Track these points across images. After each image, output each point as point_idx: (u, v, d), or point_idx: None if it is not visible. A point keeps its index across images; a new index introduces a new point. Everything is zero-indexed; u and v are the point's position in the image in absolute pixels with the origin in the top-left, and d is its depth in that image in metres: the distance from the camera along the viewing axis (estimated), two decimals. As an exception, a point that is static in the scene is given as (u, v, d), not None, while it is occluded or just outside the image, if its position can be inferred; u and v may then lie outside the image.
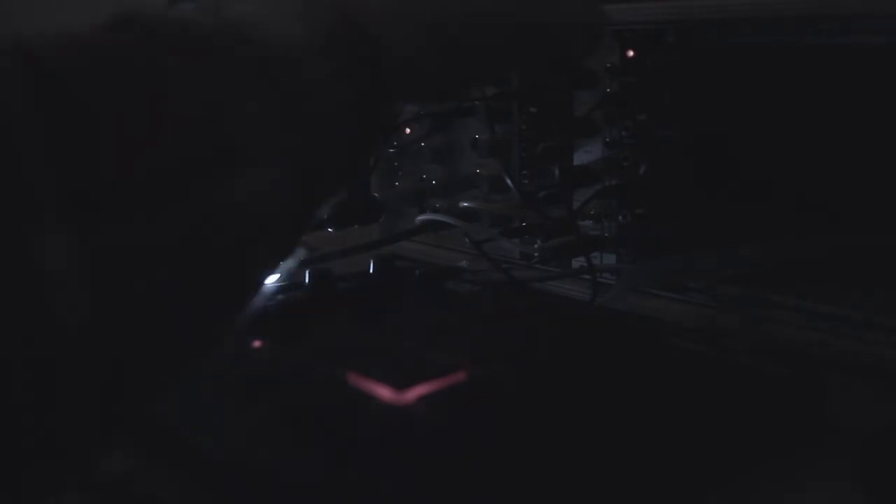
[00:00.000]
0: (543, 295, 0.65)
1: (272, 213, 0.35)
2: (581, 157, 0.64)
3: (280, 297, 0.59)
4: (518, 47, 0.49)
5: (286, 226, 0.38)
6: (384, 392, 0.45)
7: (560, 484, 0.39)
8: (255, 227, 0.35)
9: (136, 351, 0.32)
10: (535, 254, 0.67)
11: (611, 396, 0.46)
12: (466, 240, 0.70)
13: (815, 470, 0.42)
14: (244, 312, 0.37)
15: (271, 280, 0.60)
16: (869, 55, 0.51)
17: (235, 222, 0.34)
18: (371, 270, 0.65)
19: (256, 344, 0.52)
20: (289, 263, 0.63)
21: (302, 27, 0.37)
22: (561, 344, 0.53)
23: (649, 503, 0.40)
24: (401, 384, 0.45)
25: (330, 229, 0.71)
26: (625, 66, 0.60)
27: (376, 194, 0.80)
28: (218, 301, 0.36)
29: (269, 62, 0.36)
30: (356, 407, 0.45)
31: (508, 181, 0.66)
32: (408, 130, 0.77)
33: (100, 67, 0.32)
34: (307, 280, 0.60)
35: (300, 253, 0.66)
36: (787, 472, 0.42)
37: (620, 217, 0.62)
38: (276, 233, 0.37)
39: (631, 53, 0.60)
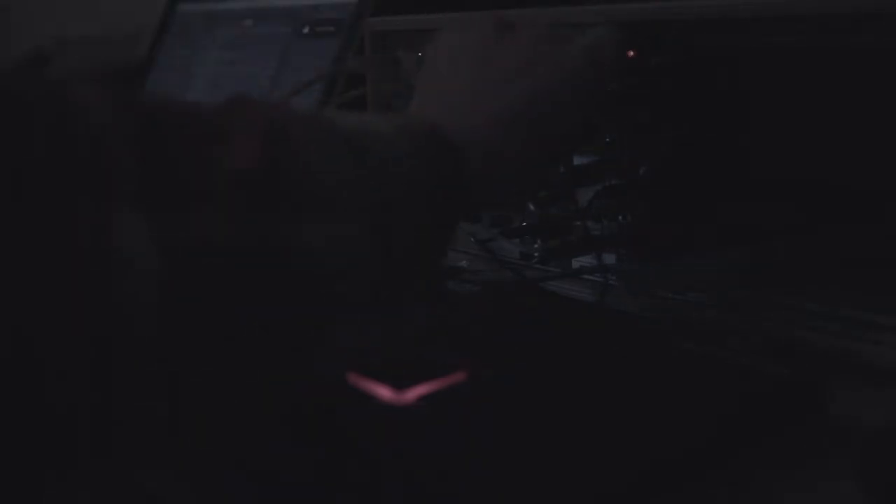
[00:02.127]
0: (548, 294, 0.65)
1: (346, 264, 0.38)
2: (581, 157, 0.64)
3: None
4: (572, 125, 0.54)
5: (359, 283, 0.40)
6: (384, 392, 0.45)
7: (560, 485, 0.39)
8: (326, 271, 0.37)
9: (194, 350, 0.34)
10: (535, 254, 0.67)
11: (611, 396, 0.46)
12: (472, 239, 0.70)
13: (815, 470, 0.42)
14: (311, 367, 0.40)
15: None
16: (869, 55, 0.51)
17: (309, 255, 0.37)
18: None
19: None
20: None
21: (398, 131, 0.44)
22: (563, 344, 0.53)
23: (650, 502, 0.40)
24: (400, 384, 0.45)
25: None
26: (625, 66, 0.60)
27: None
28: (281, 331, 0.37)
29: (366, 139, 0.42)
30: (357, 407, 0.45)
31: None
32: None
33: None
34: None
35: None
36: (788, 472, 0.42)
37: (620, 217, 0.62)
38: (348, 286, 0.39)
39: (631, 53, 0.60)
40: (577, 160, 0.64)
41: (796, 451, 0.43)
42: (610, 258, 0.64)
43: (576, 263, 0.65)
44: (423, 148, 0.44)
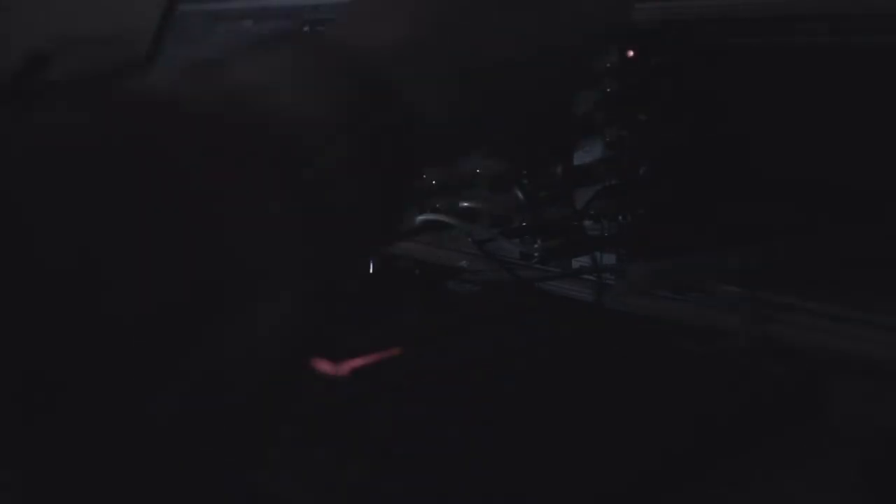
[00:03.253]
0: (546, 295, 0.65)
1: (286, 353, 0.29)
2: (581, 157, 0.64)
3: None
4: (548, 79, 0.41)
5: (295, 361, 0.31)
6: (324, 366, 0.47)
7: (560, 485, 0.39)
8: (267, 372, 0.28)
9: None
10: (535, 254, 0.67)
11: (611, 396, 0.46)
12: (469, 240, 0.70)
13: (815, 470, 0.42)
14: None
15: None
16: (869, 55, 0.51)
17: (249, 370, 0.27)
18: (371, 270, 0.65)
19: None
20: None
21: (321, 98, 0.30)
22: (562, 343, 0.53)
23: (650, 502, 0.40)
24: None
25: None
26: (625, 66, 0.60)
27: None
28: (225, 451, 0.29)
29: (288, 151, 0.28)
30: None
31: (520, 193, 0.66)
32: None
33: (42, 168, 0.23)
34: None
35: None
36: (788, 472, 0.42)
37: (620, 217, 0.62)
38: (283, 373, 0.30)
39: (631, 53, 0.60)
40: (576, 160, 0.64)
41: (796, 451, 0.43)
42: (609, 258, 0.64)
43: (575, 263, 0.65)
44: (364, 130, 0.31)
